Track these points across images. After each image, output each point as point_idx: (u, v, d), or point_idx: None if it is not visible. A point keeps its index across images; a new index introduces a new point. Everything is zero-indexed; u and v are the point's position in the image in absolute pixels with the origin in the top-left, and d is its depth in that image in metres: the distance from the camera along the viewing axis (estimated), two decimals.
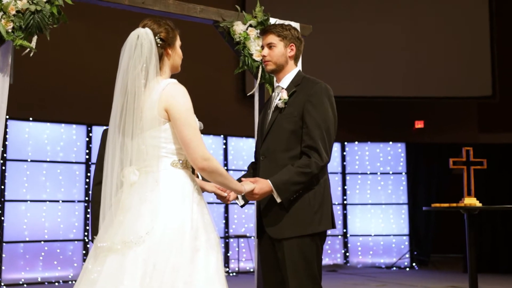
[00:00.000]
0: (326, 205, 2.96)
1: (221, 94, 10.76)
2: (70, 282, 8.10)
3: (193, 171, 2.57)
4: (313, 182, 2.93)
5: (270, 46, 3.10)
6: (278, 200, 2.88)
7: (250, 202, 3.19)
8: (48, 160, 8.27)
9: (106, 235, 2.34)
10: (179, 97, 2.42)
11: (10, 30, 3.30)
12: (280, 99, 3.04)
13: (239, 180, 2.85)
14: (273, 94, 3.18)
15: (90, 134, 8.58)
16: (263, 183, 2.84)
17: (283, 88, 3.09)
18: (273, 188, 2.85)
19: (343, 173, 10.46)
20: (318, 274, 2.91)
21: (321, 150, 2.89)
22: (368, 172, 10.50)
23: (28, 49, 3.38)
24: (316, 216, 2.91)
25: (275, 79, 4.04)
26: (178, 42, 2.60)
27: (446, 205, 4.25)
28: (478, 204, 4.24)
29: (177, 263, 2.28)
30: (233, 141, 9.80)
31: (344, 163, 10.49)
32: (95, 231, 3.40)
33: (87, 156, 8.52)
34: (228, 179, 2.58)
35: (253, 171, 3.20)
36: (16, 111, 7.86)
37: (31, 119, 8.22)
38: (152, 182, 2.39)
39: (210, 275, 2.32)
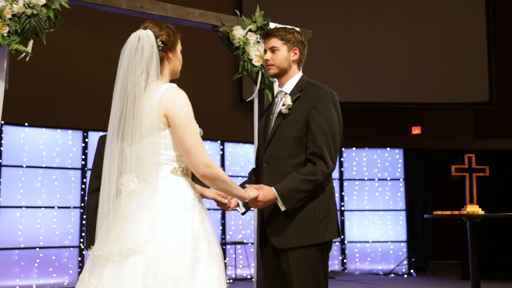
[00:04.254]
0: (331, 214, 2.88)
1: (218, 99, 10.71)
2: None
3: (192, 178, 2.50)
4: (318, 190, 2.85)
5: (273, 50, 3.02)
6: (282, 208, 2.78)
7: (251, 209, 3.11)
8: (43, 166, 8.18)
9: (104, 244, 2.25)
10: (179, 103, 2.34)
11: (5, 34, 3.22)
12: (283, 105, 2.95)
13: (242, 186, 2.76)
14: (276, 99, 3.09)
15: (86, 140, 8.51)
16: (267, 190, 2.75)
17: (286, 93, 3.00)
18: (277, 195, 2.76)
19: (341, 179, 10.41)
20: (324, 283, 2.85)
21: (326, 158, 2.81)
22: (366, 178, 10.45)
23: (24, 54, 3.31)
24: (322, 225, 2.83)
25: (275, 84, 4.01)
26: (179, 47, 2.53)
27: (448, 212, 4.19)
28: (480, 211, 4.19)
29: (178, 275, 2.18)
30: (230, 147, 9.73)
31: (342, 169, 10.44)
32: (90, 241, 3.29)
33: (83, 162, 8.44)
34: (231, 186, 2.50)
35: (255, 178, 3.12)
36: (12, 116, 7.77)
37: (26, 124, 8.14)
38: (151, 189, 2.30)
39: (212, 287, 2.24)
